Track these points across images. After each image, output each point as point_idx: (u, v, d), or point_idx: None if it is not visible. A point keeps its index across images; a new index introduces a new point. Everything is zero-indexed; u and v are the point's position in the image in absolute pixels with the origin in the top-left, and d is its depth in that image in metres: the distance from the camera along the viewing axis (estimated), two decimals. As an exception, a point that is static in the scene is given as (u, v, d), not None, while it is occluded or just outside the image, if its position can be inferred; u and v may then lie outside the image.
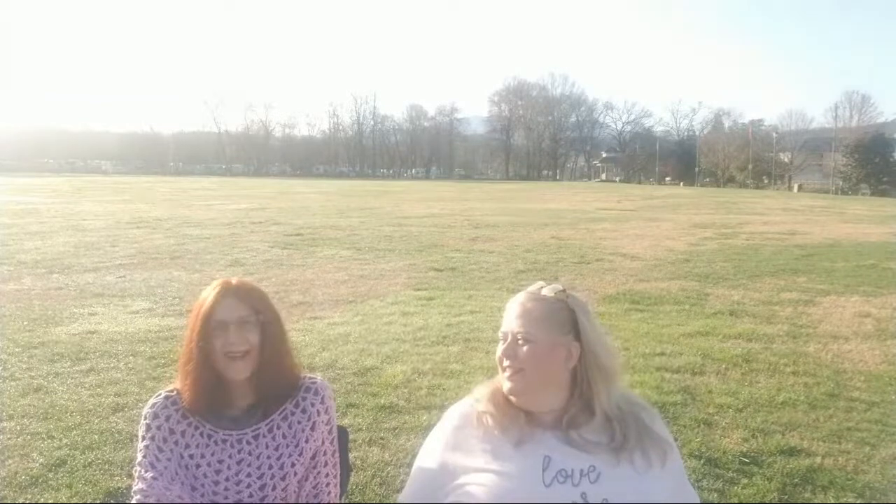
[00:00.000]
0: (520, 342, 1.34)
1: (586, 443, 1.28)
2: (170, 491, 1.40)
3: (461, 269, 8.92)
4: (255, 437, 1.49)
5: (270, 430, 1.50)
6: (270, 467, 1.48)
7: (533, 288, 1.41)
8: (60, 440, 3.19)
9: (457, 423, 1.38)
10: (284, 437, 1.50)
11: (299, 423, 1.52)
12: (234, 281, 1.51)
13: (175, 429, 1.48)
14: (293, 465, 1.49)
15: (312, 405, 1.53)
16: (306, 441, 1.51)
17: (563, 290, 1.37)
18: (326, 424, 1.56)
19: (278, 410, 1.52)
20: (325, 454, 1.56)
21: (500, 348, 1.37)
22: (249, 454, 1.48)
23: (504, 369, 1.35)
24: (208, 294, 1.48)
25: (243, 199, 25.85)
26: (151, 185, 38.61)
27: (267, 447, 1.49)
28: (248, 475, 1.47)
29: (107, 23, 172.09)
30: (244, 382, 1.49)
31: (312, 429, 1.52)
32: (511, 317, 1.37)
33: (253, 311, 1.47)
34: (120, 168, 78.63)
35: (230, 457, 1.47)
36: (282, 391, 1.53)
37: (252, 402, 1.52)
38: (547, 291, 1.37)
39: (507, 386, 1.35)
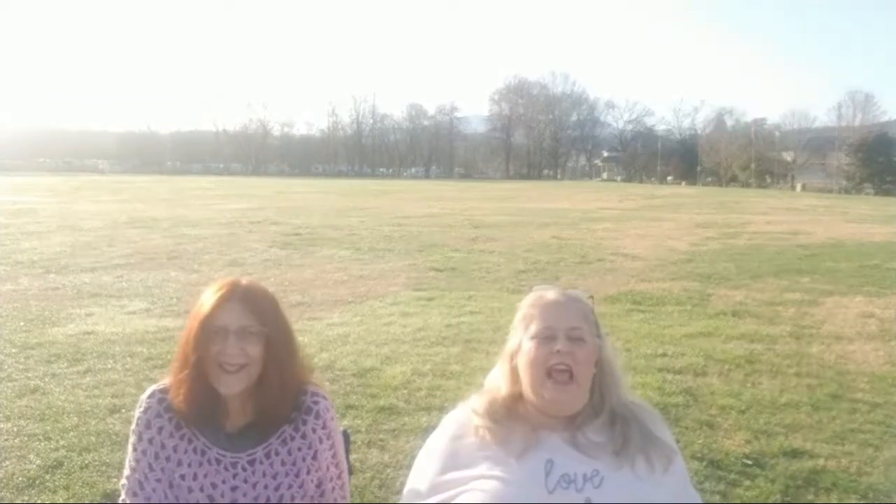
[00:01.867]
0: (576, 341, 1.29)
1: (590, 445, 1.26)
2: None
3: (461, 270, 8.90)
4: (251, 463, 1.37)
5: (268, 457, 1.38)
6: (268, 499, 1.37)
7: (556, 288, 1.39)
8: (57, 441, 3.17)
9: (454, 433, 1.34)
10: (283, 464, 1.38)
11: (299, 450, 1.40)
12: (243, 282, 1.38)
13: (167, 443, 1.36)
14: (293, 498, 1.38)
15: (314, 431, 1.41)
16: (307, 472, 1.40)
17: (590, 296, 1.41)
18: (329, 450, 1.44)
19: (276, 434, 1.39)
20: (331, 480, 1.46)
21: (542, 348, 1.28)
22: (245, 482, 1.36)
23: (550, 376, 1.27)
24: (212, 294, 1.34)
25: (241, 198, 25.80)
26: (149, 185, 38.57)
27: (264, 475, 1.37)
28: None
29: (105, 22, 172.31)
30: (239, 397, 1.37)
31: (314, 458, 1.41)
32: (558, 314, 1.32)
33: (258, 321, 1.33)
34: (117, 167, 78.53)
35: (223, 482, 1.36)
36: (283, 410, 1.40)
37: (249, 420, 1.39)
38: (578, 293, 1.39)
39: (550, 396, 1.27)
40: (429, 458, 1.34)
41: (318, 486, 1.44)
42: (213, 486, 1.36)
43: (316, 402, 1.43)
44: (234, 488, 1.36)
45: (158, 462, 1.36)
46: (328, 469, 1.45)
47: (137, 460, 1.37)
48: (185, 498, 1.35)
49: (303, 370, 1.45)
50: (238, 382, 1.33)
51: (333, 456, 1.46)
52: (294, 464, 1.39)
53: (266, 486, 1.37)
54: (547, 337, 1.30)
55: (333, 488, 1.46)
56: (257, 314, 1.35)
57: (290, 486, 1.38)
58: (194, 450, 1.37)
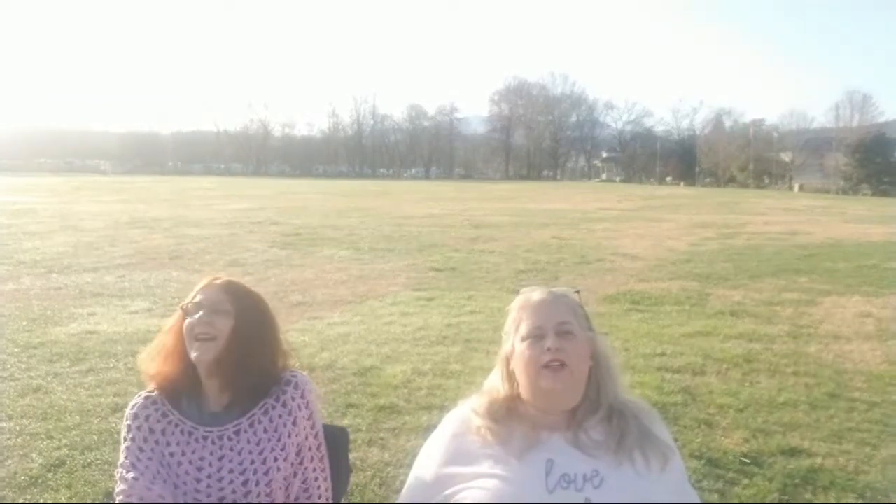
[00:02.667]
0: (566, 335, 1.31)
1: (591, 443, 1.27)
2: (151, 490, 1.39)
3: (461, 270, 8.92)
4: (236, 433, 1.48)
5: (252, 426, 1.49)
6: (252, 462, 1.46)
7: (543, 288, 1.41)
8: (60, 440, 3.18)
9: (455, 430, 1.35)
10: (266, 431, 1.49)
11: (280, 417, 1.50)
12: (223, 277, 1.56)
13: (155, 428, 1.47)
14: (276, 460, 1.47)
15: (293, 399, 1.52)
16: (289, 437, 1.50)
17: (577, 291, 1.43)
18: (308, 419, 1.54)
19: (258, 405, 1.51)
20: (309, 450, 1.54)
21: (534, 347, 1.30)
22: (231, 450, 1.46)
23: (546, 367, 1.29)
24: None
25: (242, 198, 25.83)
26: (150, 185, 38.60)
27: (248, 442, 1.47)
28: (231, 471, 1.45)
29: (105, 22, 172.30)
30: (212, 368, 1.48)
31: (294, 423, 1.51)
32: (545, 312, 1.33)
33: (230, 301, 1.50)
34: (118, 168, 78.59)
35: (211, 454, 1.46)
36: (256, 384, 1.51)
37: (231, 397, 1.51)
38: (564, 290, 1.41)
39: (546, 384, 1.29)
40: (430, 455, 1.35)
41: (298, 453, 1.52)
42: (202, 458, 1.46)
43: (294, 376, 1.56)
44: (221, 458, 1.46)
45: (148, 444, 1.46)
46: (307, 438, 1.54)
47: (128, 447, 1.46)
48: (175, 471, 1.45)
49: (279, 358, 1.57)
50: (208, 350, 1.46)
51: (312, 427, 1.56)
52: (276, 430, 1.49)
53: (251, 452, 1.47)
54: (537, 336, 1.32)
55: (312, 458, 1.55)
56: (232, 296, 1.51)
57: (272, 450, 1.48)
58: (181, 432, 1.48)
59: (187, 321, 1.48)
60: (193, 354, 1.46)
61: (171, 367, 1.49)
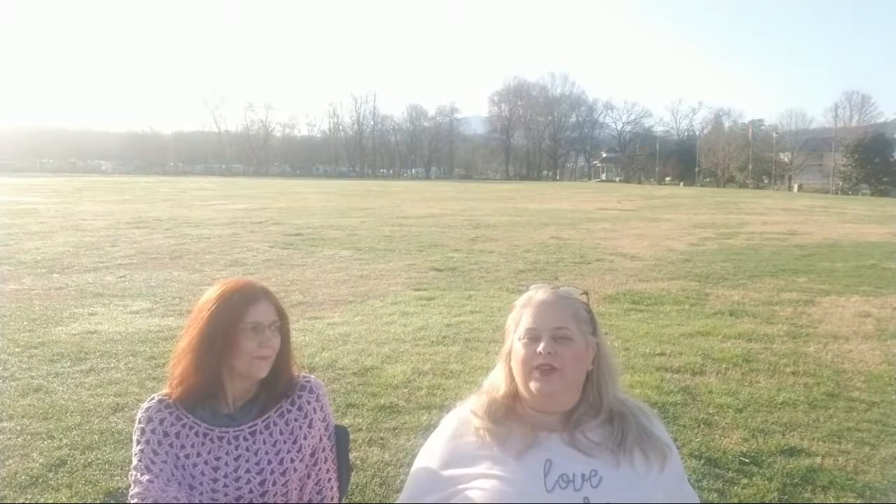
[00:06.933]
0: (561, 340, 1.31)
1: (589, 444, 1.27)
2: (166, 492, 1.39)
3: (461, 269, 8.92)
4: (252, 434, 1.50)
5: (267, 427, 1.51)
6: (269, 462, 1.48)
7: (548, 287, 1.40)
8: (60, 440, 3.19)
9: (453, 432, 1.35)
10: (282, 433, 1.51)
11: (296, 420, 1.53)
12: (255, 282, 1.55)
13: (169, 431, 1.47)
14: (292, 460, 1.50)
15: (308, 403, 1.55)
16: (304, 438, 1.53)
17: (584, 292, 1.42)
18: (323, 421, 1.57)
19: (275, 408, 1.53)
20: (323, 450, 1.57)
21: (528, 348, 1.31)
22: (247, 450, 1.48)
23: (537, 369, 1.30)
24: (240, 294, 1.47)
25: (243, 199, 25.87)
26: (151, 185, 38.64)
27: (265, 443, 1.49)
28: (248, 471, 1.46)
29: (107, 23, 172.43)
30: (248, 381, 1.51)
31: (310, 426, 1.54)
32: (544, 314, 1.33)
33: (279, 316, 1.52)
34: (120, 168, 78.98)
35: (227, 454, 1.47)
36: (283, 390, 1.55)
37: (248, 399, 1.53)
38: (570, 290, 1.40)
39: (536, 387, 1.30)
40: (429, 456, 1.35)
41: (312, 454, 1.54)
42: (217, 458, 1.47)
43: (308, 381, 1.60)
44: (237, 458, 1.47)
45: (162, 447, 1.46)
46: (321, 440, 1.56)
47: (142, 450, 1.45)
48: (191, 472, 1.45)
49: (294, 363, 1.62)
50: (263, 368, 1.49)
51: (326, 428, 1.59)
52: (292, 432, 1.52)
53: (267, 453, 1.49)
54: (532, 338, 1.32)
55: (326, 458, 1.57)
56: (277, 310, 1.53)
57: (289, 451, 1.51)
58: (196, 434, 1.48)
59: (248, 344, 1.44)
60: (254, 373, 1.48)
61: (194, 379, 1.47)
